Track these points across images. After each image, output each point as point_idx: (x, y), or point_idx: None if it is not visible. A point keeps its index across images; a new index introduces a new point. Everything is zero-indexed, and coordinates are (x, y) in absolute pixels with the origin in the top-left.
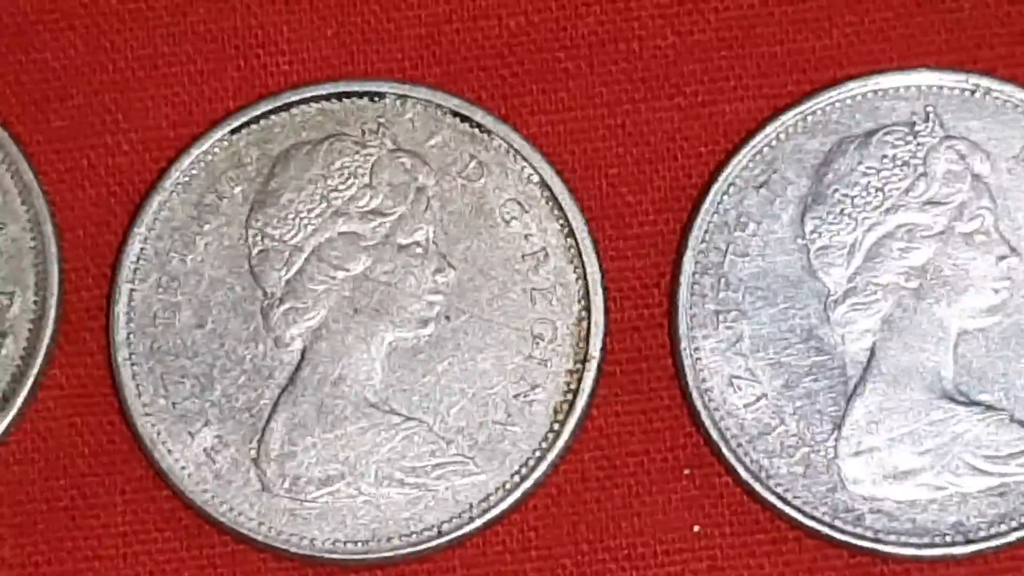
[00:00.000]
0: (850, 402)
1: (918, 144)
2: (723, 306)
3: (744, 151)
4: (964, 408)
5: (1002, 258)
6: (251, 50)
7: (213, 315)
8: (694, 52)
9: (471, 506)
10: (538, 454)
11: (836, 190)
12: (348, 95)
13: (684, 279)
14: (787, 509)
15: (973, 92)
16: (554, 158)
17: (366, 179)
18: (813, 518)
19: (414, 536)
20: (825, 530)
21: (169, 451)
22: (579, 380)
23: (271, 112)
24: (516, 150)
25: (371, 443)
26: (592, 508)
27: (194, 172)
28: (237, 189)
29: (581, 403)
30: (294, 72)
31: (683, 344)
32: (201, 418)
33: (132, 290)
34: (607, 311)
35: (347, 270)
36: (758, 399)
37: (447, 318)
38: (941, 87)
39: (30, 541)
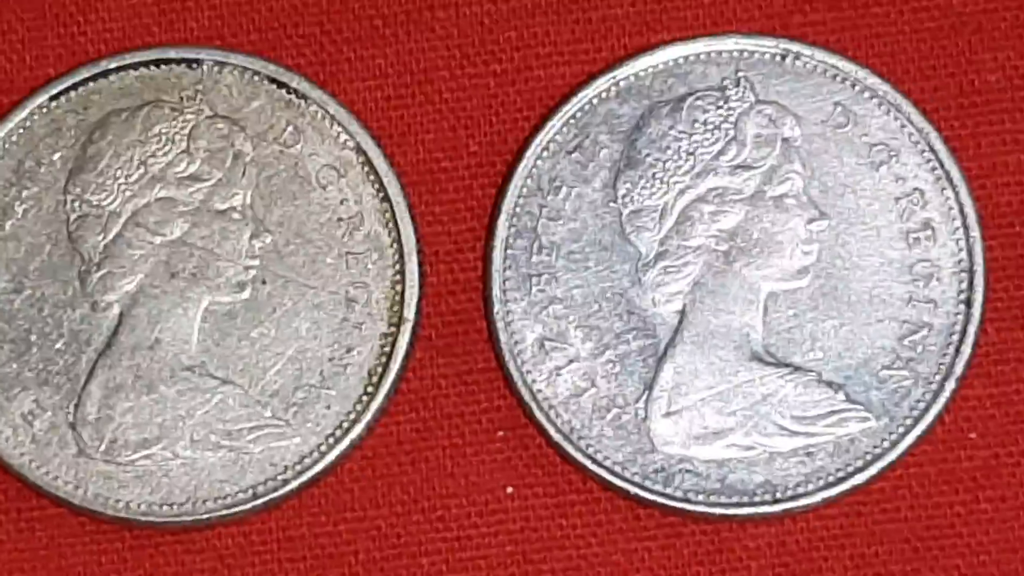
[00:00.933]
0: (660, 364)
1: (729, 109)
2: (536, 270)
3: (557, 116)
4: (773, 369)
5: (811, 221)
6: (71, 17)
7: (31, 280)
8: (510, 19)
9: (286, 468)
10: (352, 416)
11: (648, 154)
12: (166, 62)
13: (498, 243)
14: (598, 470)
15: (783, 57)
16: (370, 124)
17: (183, 145)
18: (624, 479)
19: (230, 499)
20: (636, 490)
21: None
22: (393, 343)
23: (90, 79)
24: (332, 116)
25: (187, 406)
26: (407, 470)
27: (13, 139)
28: (56, 156)
29: (395, 366)
30: (113, 39)
31: (496, 307)
32: (19, 383)
33: None
34: (422, 275)
35: (164, 235)
36: (570, 361)
37: (263, 282)
38: (752, 52)
39: None
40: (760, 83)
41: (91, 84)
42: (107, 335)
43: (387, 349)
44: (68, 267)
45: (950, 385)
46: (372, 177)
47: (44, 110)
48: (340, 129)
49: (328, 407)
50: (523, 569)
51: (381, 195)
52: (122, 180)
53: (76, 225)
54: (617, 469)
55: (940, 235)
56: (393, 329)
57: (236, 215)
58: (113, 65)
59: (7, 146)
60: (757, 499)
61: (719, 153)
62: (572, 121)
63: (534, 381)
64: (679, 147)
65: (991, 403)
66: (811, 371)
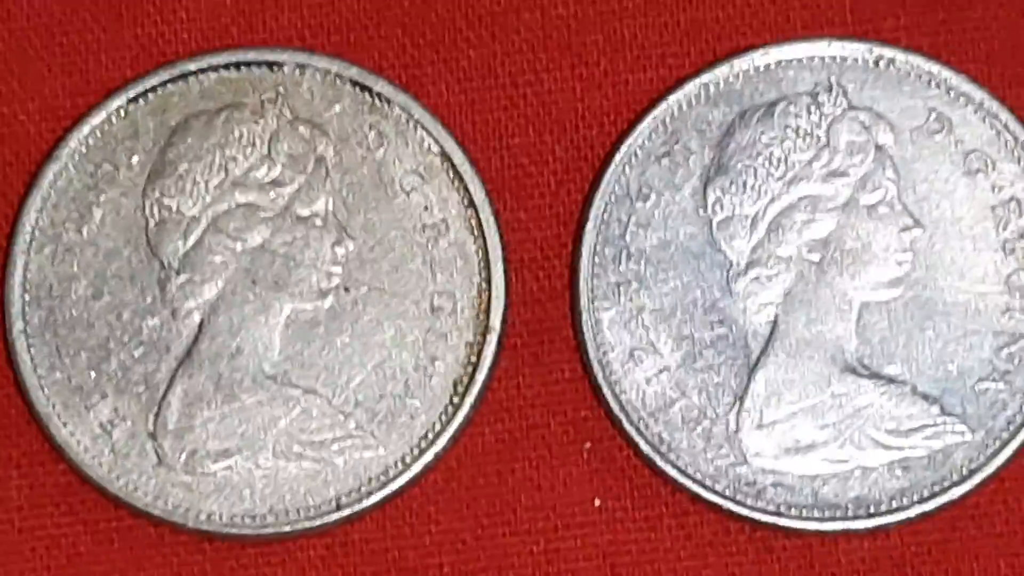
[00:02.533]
0: (752, 375)
1: (821, 115)
2: (624, 278)
3: (646, 121)
4: (866, 381)
5: (905, 230)
6: (149, 18)
7: (109, 287)
8: (596, 22)
9: (370, 480)
10: (438, 427)
11: (738, 161)
12: (247, 64)
13: (585, 251)
14: (688, 483)
15: (876, 63)
16: (455, 129)
17: (264, 149)
18: (714, 491)
19: (312, 510)
20: (726, 504)
21: (65, 424)
22: (479, 352)
23: (169, 81)
24: (416, 120)
25: (269, 416)
26: (492, 482)
27: (90, 142)
28: (134, 159)
29: (481, 376)
30: (192, 40)
31: (584, 316)
32: (97, 391)
33: (27, 261)
34: (508, 283)
35: (245, 241)
36: (659, 372)
37: (346, 290)
38: (845, 58)
39: None
40: (853, 89)
41: (170, 86)
42: (187, 343)
43: (473, 359)
44: (147, 273)
45: None
46: (457, 183)
47: (122, 113)
48: (424, 134)
49: (413, 417)
50: None
51: (466, 201)
52: (202, 185)
53: (155, 231)
54: (707, 482)
55: None
56: (479, 338)
57: (318, 221)
58: (193, 67)
59: (85, 149)
60: (850, 514)
61: (811, 160)
62: (661, 127)
63: (623, 391)
64: (770, 154)
65: None
66: (905, 383)
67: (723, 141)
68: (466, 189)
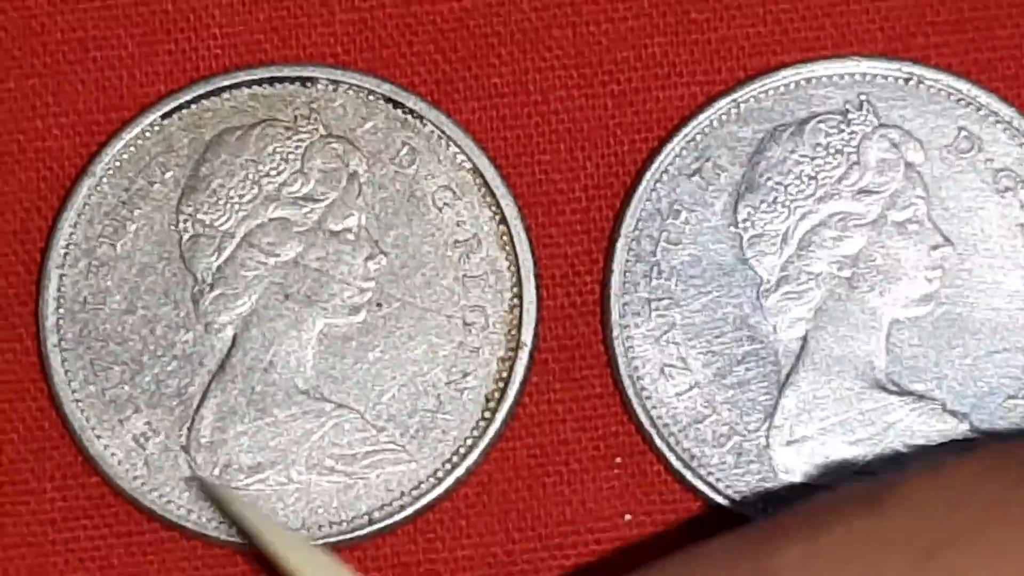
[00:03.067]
0: (782, 391)
1: (851, 132)
2: (655, 294)
3: (677, 139)
4: (897, 398)
5: (935, 247)
6: (182, 34)
7: (143, 301)
8: (627, 39)
9: (402, 494)
10: (470, 442)
11: (769, 178)
12: (280, 80)
13: (616, 267)
14: (719, 498)
15: (907, 80)
16: (486, 144)
17: (298, 165)
18: (745, 506)
19: (344, 524)
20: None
21: (99, 437)
22: (511, 368)
23: (202, 97)
24: (448, 136)
25: (302, 430)
26: (524, 496)
27: (124, 157)
28: (168, 174)
29: (513, 391)
30: (226, 56)
31: (615, 332)
32: (131, 405)
33: (62, 275)
34: (539, 299)
35: (278, 256)
36: (690, 388)
37: (379, 305)
38: (875, 75)
39: None
40: (883, 107)
41: (204, 102)
42: (220, 357)
43: (504, 374)
44: (181, 288)
45: None
46: (489, 199)
47: (156, 128)
48: (456, 150)
49: (444, 432)
50: None
51: (498, 217)
52: (235, 200)
53: (189, 245)
54: (738, 498)
55: None
56: (511, 354)
57: (351, 236)
58: (226, 83)
59: (118, 164)
60: None
61: (841, 177)
62: (692, 144)
63: (654, 407)
64: (801, 171)
65: None
66: (935, 400)
67: (754, 158)
68: (498, 205)
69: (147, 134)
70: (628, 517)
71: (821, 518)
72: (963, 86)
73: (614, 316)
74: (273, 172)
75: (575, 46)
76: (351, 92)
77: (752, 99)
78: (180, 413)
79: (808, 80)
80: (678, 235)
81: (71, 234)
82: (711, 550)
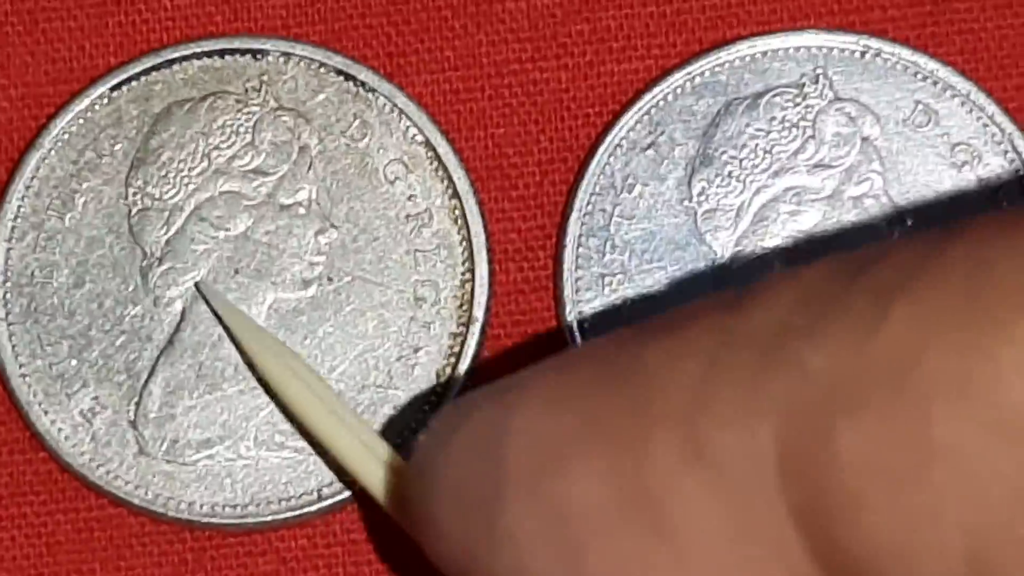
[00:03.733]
0: None
1: (807, 106)
2: (609, 269)
3: (631, 112)
4: None
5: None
6: (132, 5)
7: (91, 275)
8: (582, 11)
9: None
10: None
11: (724, 152)
12: (230, 52)
13: (569, 241)
14: None
15: (863, 54)
16: (439, 118)
17: (248, 138)
18: None
19: (293, 500)
20: None
21: (46, 412)
22: (463, 343)
23: (152, 69)
24: (400, 109)
25: (251, 406)
26: None
27: (73, 129)
28: (117, 147)
29: (464, 366)
30: (176, 28)
31: (568, 307)
32: (78, 380)
33: (9, 249)
34: (492, 273)
35: (228, 230)
36: None
37: (329, 279)
38: (831, 48)
39: None
40: (839, 80)
41: (153, 74)
42: (169, 332)
43: (456, 349)
44: (129, 262)
45: None
46: (441, 173)
47: (105, 100)
48: (409, 123)
49: (395, 408)
50: None
51: (450, 191)
52: (185, 173)
53: (138, 218)
54: None
55: None
56: (462, 329)
57: (301, 210)
58: (176, 55)
59: (67, 136)
60: None
61: (797, 151)
62: (646, 117)
63: None
64: (756, 145)
65: None
66: None
67: (708, 132)
68: (450, 179)
69: (96, 106)
70: None
71: (685, 318)
72: (920, 60)
73: (567, 291)
74: (223, 145)
75: (529, 18)
76: (302, 64)
77: (707, 72)
78: (128, 388)
79: (764, 53)
80: (632, 209)
81: (19, 207)
82: (585, 351)
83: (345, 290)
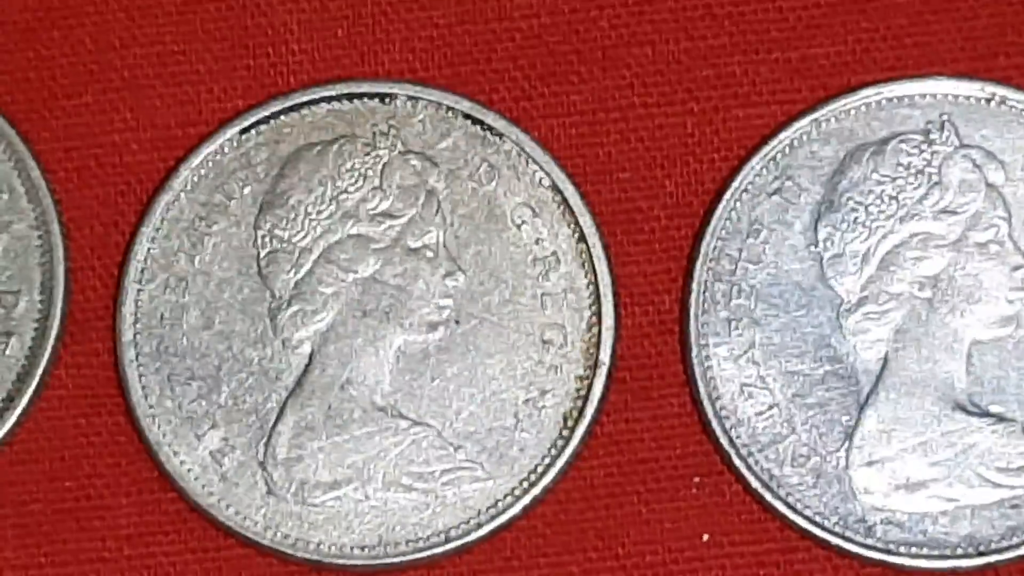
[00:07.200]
0: (862, 412)
1: (933, 152)
2: (735, 313)
3: (757, 157)
4: (977, 419)
5: (1016, 268)
6: (261, 49)
7: (220, 316)
8: (708, 57)
9: (479, 512)
10: (547, 460)
11: (850, 198)
12: (359, 96)
13: (696, 286)
14: (797, 519)
15: (988, 101)
16: (566, 162)
17: (376, 181)
18: (823, 528)
19: (421, 542)
20: (835, 540)
21: (175, 453)
22: (589, 386)
23: (281, 112)
24: (527, 153)
25: (379, 448)
26: (601, 515)
27: (203, 172)
28: (246, 190)
29: (591, 409)
30: (304, 72)
31: (694, 351)
32: (208, 420)
33: (139, 290)
34: (618, 317)
35: (356, 272)
36: (769, 408)
37: (456, 322)
38: (956, 95)
39: (34, 542)
40: (964, 127)
41: (282, 118)
42: (297, 374)
43: (582, 392)
44: (258, 303)
45: None
46: (568, 217)
47: (234, 143)
48: (536, 167)
49: (522, 450)
50: None
51: (577, 235)
52: (313, 216)
53: (266, 261)
54: (817, 518)
55: None
56: (588, 372)
57: (429, 253)
58: (305, 99)
59: (197, 179)
60: (960, 552)
61: (922, 198)
62: (772, 163)
63: (732, 427)
64: (882, 191)
65: None
66: (1016, 421)
67: (834, 178)
68: (577, 223)
69: (225, 149)
70: (706, 537)
71: None
72: None
73: (693, 335)
74: (351, 188)
75: (654, 64)
76: (430, 108)
77: (833, 118)
78: (257, 429)
79: (889, 100)
80: (758, 254)
81: (148, 249)
82: None
83: (472, 333)
